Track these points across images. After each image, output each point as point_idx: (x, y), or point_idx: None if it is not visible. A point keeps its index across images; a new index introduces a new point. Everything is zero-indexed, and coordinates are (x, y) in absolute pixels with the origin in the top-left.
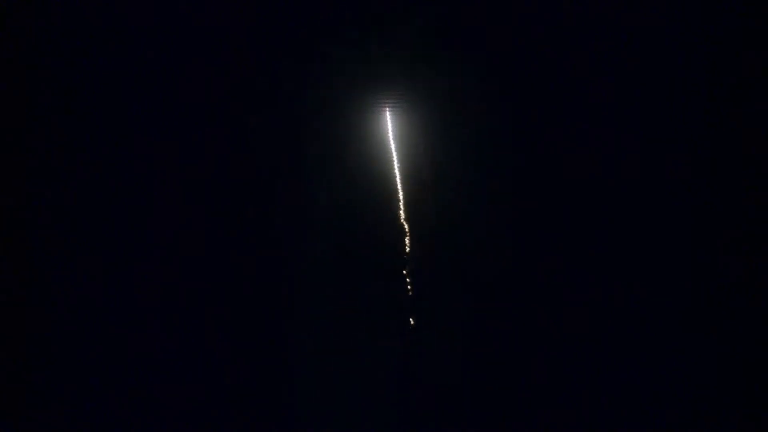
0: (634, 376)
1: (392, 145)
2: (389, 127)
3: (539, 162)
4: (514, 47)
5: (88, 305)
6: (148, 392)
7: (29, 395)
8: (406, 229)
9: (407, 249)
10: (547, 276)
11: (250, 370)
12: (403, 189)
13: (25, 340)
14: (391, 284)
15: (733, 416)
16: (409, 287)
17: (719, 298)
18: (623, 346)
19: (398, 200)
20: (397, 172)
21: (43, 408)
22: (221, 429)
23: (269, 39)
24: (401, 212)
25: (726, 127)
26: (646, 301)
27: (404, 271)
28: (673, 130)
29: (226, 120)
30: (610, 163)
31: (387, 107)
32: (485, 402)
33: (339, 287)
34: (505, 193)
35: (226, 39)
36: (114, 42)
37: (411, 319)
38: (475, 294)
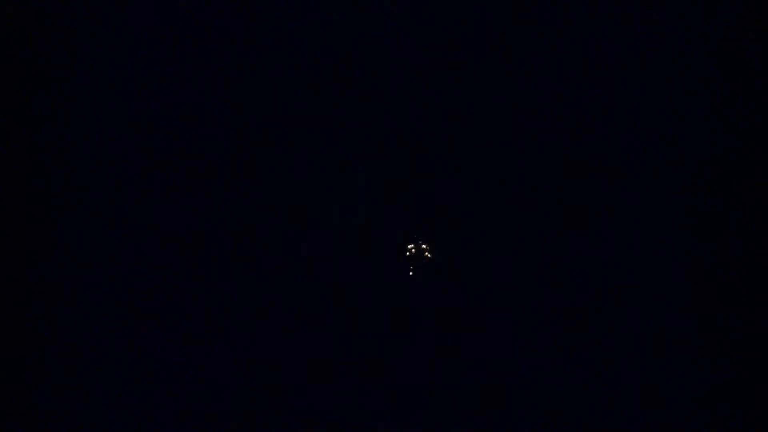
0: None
1: None
2: None
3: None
4: None
5: (87, 304)
6: (147, 392)
7: (29, 395)
8: None
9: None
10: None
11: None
12: None
13: (25, 340)
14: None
15: (732, 416)
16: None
17: (720, 298)
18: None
19: None
20: None
21: (43, 408)
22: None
23: None
24: None
25: (726, 127)
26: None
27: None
28: (674, 131)
29: None
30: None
31: None
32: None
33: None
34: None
35: None
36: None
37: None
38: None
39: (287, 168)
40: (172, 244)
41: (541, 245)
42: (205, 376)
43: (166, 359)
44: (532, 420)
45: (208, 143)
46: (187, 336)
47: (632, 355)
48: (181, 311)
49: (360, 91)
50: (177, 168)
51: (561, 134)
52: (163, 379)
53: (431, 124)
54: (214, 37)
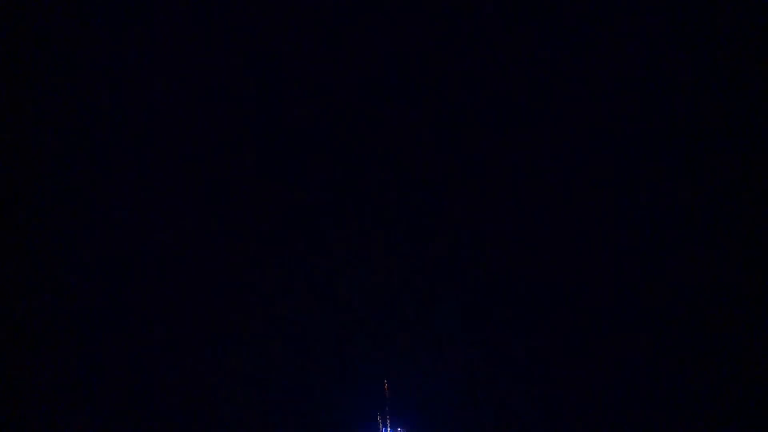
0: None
1: None
2: None
3: None
4: None
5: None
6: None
7: (29, 395)
8: None
9: None
10: None
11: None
12: None
13: (25, 340)
14: None
15: (732, 416)
16: None
17: (719, 299)
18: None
19: None
20: None
21: (42, 408)
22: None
23: None
24: None
25: (726, 127)
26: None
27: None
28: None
29: None
30: None
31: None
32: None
33: None
34: None
35: None
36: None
37: None
38: None
39: (285, 169)
40: (168, 244)
41: (540, 245)
42: (202, 377)
43: (162, 360)
44: (532, 420)
45: (206, 144)
46: (184, 336)
47: (632, 354)
48: (178, 311)
49: (359, 93)
50: (170, 168)
51: (561, 135)
52: (159, 379)
53: (430, 125)
54: (213, 38)
